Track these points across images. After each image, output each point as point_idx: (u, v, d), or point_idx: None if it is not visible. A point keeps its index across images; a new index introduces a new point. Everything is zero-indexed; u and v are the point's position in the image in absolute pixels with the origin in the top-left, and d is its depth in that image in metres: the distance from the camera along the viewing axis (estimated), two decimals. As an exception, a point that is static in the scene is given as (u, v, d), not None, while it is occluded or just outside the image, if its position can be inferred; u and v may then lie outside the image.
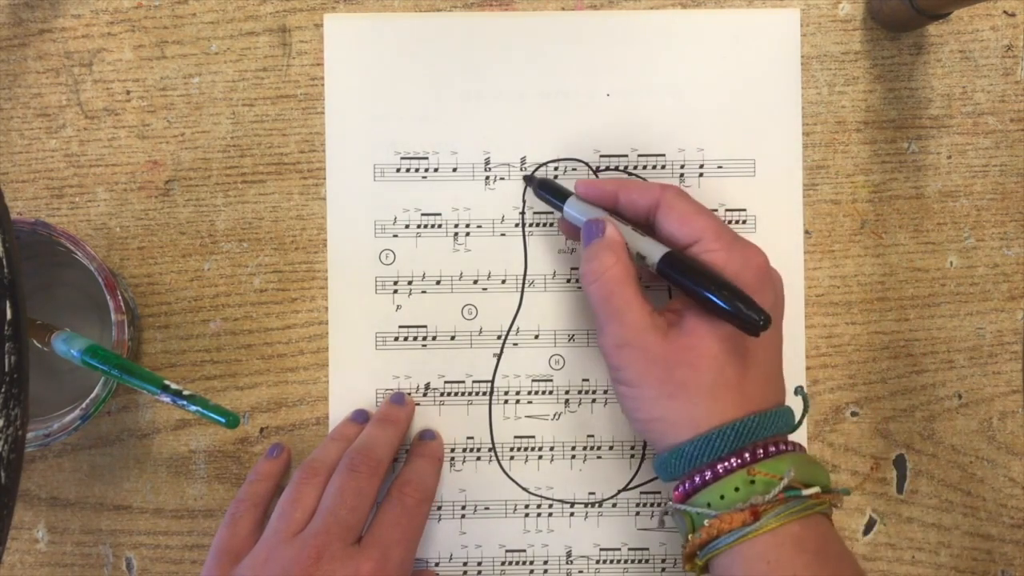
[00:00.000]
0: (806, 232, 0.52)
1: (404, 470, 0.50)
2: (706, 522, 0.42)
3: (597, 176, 0.52)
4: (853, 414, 0.52)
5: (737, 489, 0.41)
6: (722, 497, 0.42)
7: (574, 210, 0.48)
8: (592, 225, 0.46)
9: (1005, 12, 0.53)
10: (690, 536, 0.43)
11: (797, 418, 0.45)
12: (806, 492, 0.41)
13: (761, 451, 0.42)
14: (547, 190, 0.50)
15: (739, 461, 0.42)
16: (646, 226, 0.47)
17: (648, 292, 0.45)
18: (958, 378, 0.53)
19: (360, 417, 0.51)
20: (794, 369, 0.52)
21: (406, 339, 0.52)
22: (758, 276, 0.44)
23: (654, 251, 0.44)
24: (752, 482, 0.41)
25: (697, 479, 0.42)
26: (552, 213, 0.52)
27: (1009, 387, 0.53)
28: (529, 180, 0.52)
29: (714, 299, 0.41)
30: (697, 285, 0.42)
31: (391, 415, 0.51)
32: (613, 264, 0.44)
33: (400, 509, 0.47)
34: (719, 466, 0.42)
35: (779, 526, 0.40)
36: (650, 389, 0.43)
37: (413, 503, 0.47)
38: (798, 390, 0.47)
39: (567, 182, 0.52)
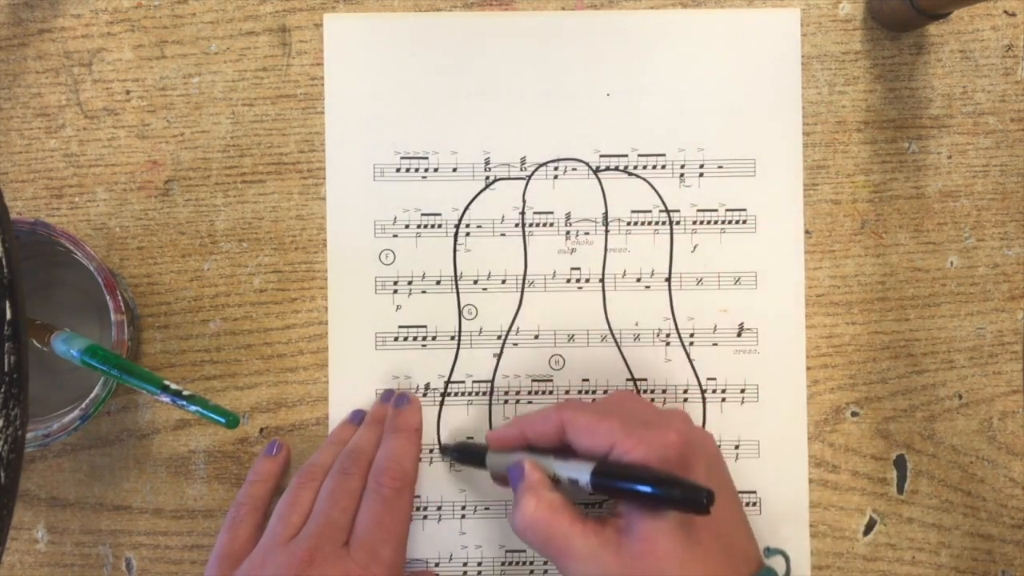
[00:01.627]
0: (806, 232, 0.52)
1: (378, 455, 0.49)
2: None
3: (597, 176, 0.52)
4: (853, 414, 0.52)
5: None
6: None
7: (496, 463, 0.48)
8: (513, 471, 0.45)
9: (1005, 12, 0.53)
10: None
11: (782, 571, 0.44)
12: None
13: None
14: (464, 454, 0.50)
15: None
16: (565, 449, 0.46)
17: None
18: (958, 378, 0.53)
19: (357, 418, 0.51)
20: (794, 369, 0.52)
21: (406, 339, 0.52)
22: (680, 452, 0.42)
23: (581, 474, 0.43)
24: None
25: None
26: (552, 212, 0.52)
27: (1009, 387, 0.53)
28: (445, 451, 0.52)
29: (653, 494, 0.40)
30: (631, 488, 0.41)
31: (380, 415, 0.51)
32: (535, 506, 0.43)
33: (380, 502, 0.46)
34: None
35: None
36: None
37: (391, 493, 0.47)
38: (768, 552, 0.46)
39: (570, 182, 0.52)
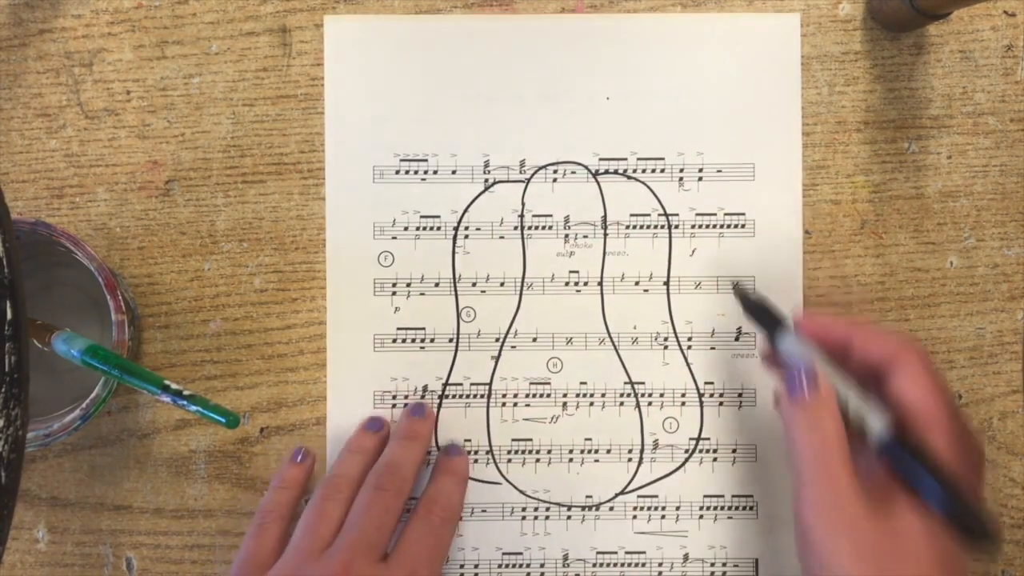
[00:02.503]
0: (806, 232, 0.52)
1: (430, 488, 0.50)
2: None
3: (596, 180, 0.52)
4: (853, 414, 0.52)
5: None
6: None
7: (789, 346, 0.45)
8: (808, 376, 0.43)
9: (1005, 12, 0.53)
10: None
11: None
12: None
13: None
14: (759, 315, 0.47)
15: None
16: (871, 376, 0.44)
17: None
18: (958, 378, 0.53)
19: (375, 426, 0.51)
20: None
21: (404, 341, 0.52)
22: (975, 470, 0.42)
23: (879, 426, 0.42)
24: None
25: None
26: (551, 215, 0.52)
27: (1009, 387, 0.53)
28: (744, 299, 0.48)
29: (939, 504, 0.39)
30: (923, 483, 0.40)
31: (413, 430, 0.51)
32: (835, 431, 0.42)
33: (428, 528, 0.47)
34: None
35: None
36: (842, 563, 0.40)
37: (440, 521, 0.48)
38: None
39: (569, 186, 0.52)
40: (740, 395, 0.52)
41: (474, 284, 0.52)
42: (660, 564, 0.52)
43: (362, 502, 0.47)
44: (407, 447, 0.50)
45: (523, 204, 0.52)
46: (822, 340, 0.45)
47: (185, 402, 0.41)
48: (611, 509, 0.52)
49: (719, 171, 0.52)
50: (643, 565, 0.52)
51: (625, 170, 0.53)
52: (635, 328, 0.52)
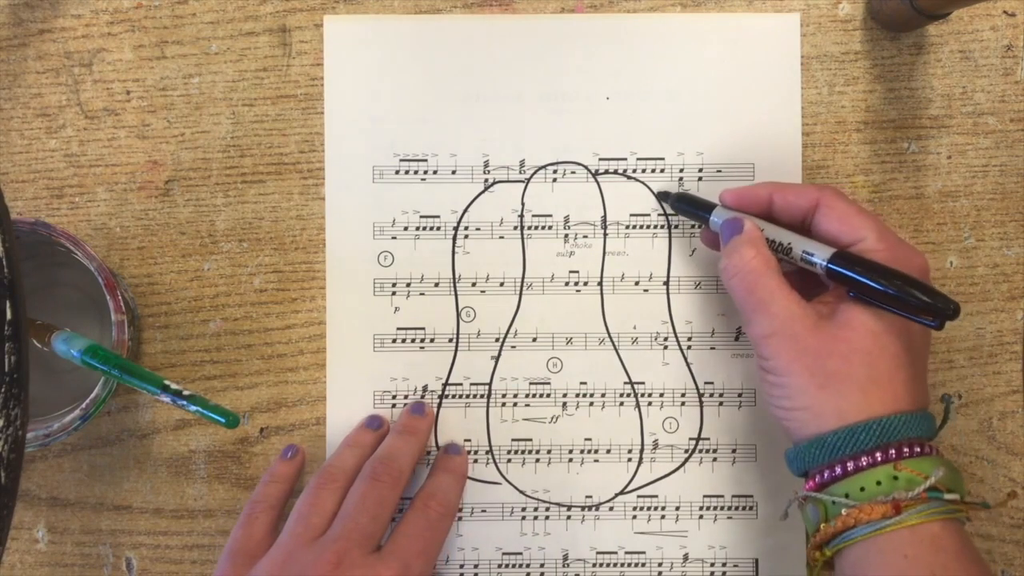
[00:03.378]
0: (806, 232, 0.53)
1: (428, 483, 0.50)
2: (843, 511, 0.41)
3: (596, 179, 0.52)
4: (853, 414, 0.52)
5: (879, 483, 0.41)
6: (862, 489, 0.41)
7: (720, 219, 0.48)
8: (731, 223, 0.46)
9: (1005, 12, 0.53)
10: (822, 525, 0.42)
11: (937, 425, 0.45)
12: (948, 496, 0.41)
13: (907, 449, 0.42)
14: (688, 203, 0.50)
15: (884, 456, 0.41)
16: (801, 230, 0.46)
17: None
18: (958, 378, 0.53)
19: (374, 424, 0.51)
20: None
21: (404, 341, 0.52)
22: (921, 275, 0.43)
23: (821, 250, 0.44)
24: (895, 478, 0.41)
25: (838, 470, 0.42)
26: (551, 215, 0.52)
27: (1009, 387, 0.53)
28: (664, 196, 0.52)
29: (896, 293, 0.41)
30: (875, 280, 0.42)
31: (412, 426, 0.51)
32: (753, 256, 0.45)
33: (424, 521, 0.47)
34: (863, 459, 0.42)
35: (919, 523, 0.40)
36: (798, 378, 0.43)
37: (437, 516, 0.48)
38: (944, 398, 0.47)
39: (569, 186, 0.52)
40: (740, 395, 0.52)
41: (474, 284, 0.52)
42: (660, 564, 0.52)
43: (357, 492, 0.47)
44: (405, 440, 0.50)
45: (523, 204, 0.52)
46: (747, 207, 0.48)
47: (185, 402, 0.41)
48: (611, 509, 0.52)
49: (719, 171, 0.52)
50: (643, 565, 0.52)
51: (625, 170, 0.53)
52: (635, 328, 0.52)
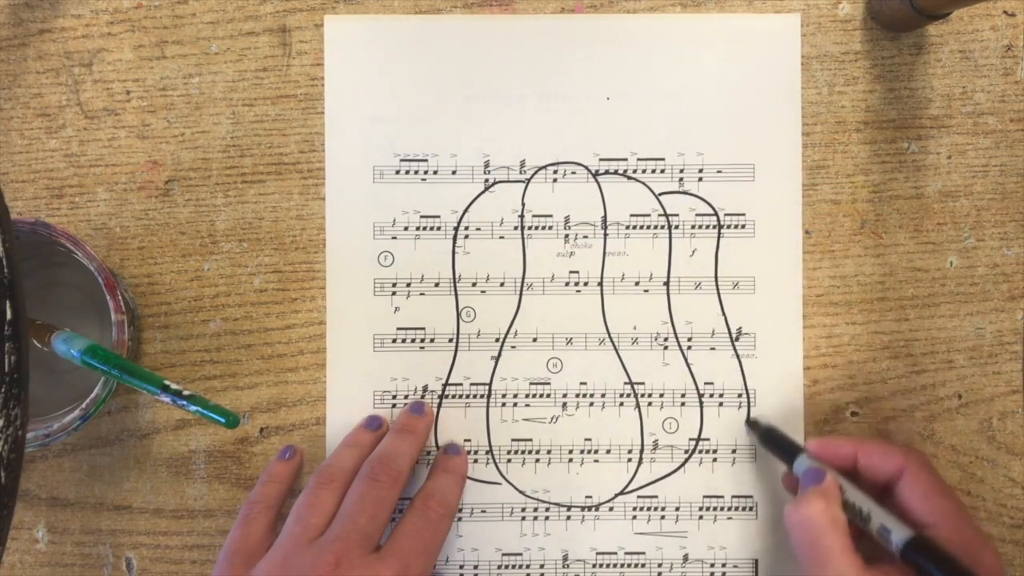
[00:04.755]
0: (806, 232, 0.52)
1: (428, 483, 0.50)
2: None
3: (596, 180, 0.52)
4: (853, 414, 0.52)
5: None
6: None
7: (803, 467, 0.47)
8: (812, 473, 0.46)
9: (1005, 12, 0.53)
10: None
11: None
12: None
13: None
14: (775, 443, 0.50)
15: None
16: (881, 490, 0.46)
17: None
18: (958, 378, 0.53)
19: (374, 424, 0.51)
20: (792, 373, 0.52)
21: (404, 341, 0.52)
22: (993, 571, 0.43)
23: (900, 531, 0.43)
24: None
25: None
26: (551, 216, 0.52)
27: (1009, 387, 0.53)
28: (754, 427, 0.51)
29: None
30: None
31: (411, 425, 0.51)
32: (823, 510, 0.43)
33: (423, 521, 0.47)
34: None
35: None
36: None
37: (436, 516, 0.47)
38: None
39: (569, 186, 0.52)
40: (740, 395, 0.52)
41: (474, 284, 0.52)
42: (660, 565, 0.52)
43: (356, 492, 0.47)
44: (403, 439, 0.50)
45: (523, 204, 0.52)
46: (832, 459, 0.47)
47: (185, 402, 0.41)
48: (611, 509, 0.52)
49: (719, 171, 0.52)
50: (643, 566, 0.52)
51: (625, 170, 0.53)
52: (635, 328, 0.52)
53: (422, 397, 0.52)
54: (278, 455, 0.51)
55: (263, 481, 0.50)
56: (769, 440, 0.50)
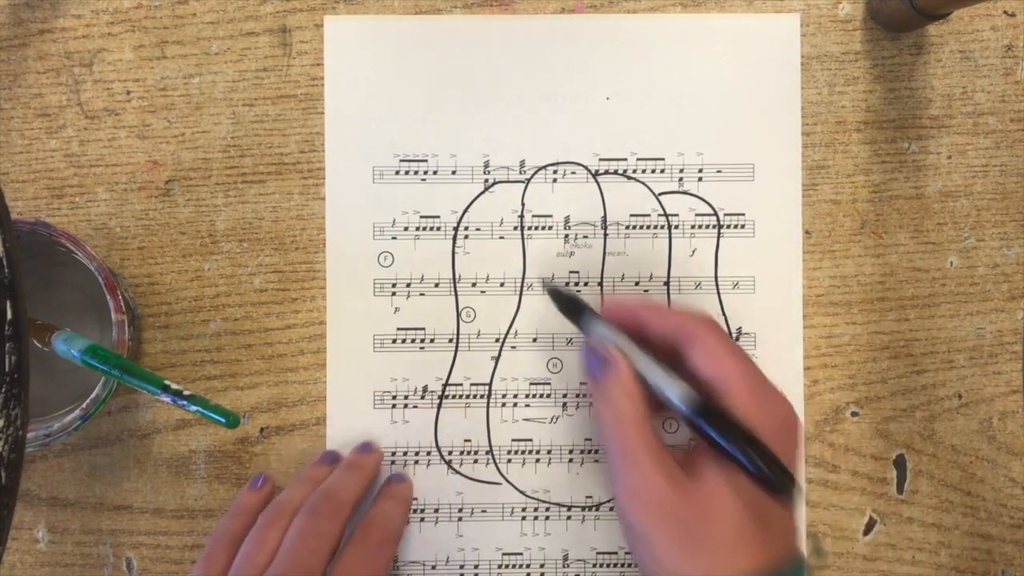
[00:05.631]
0: (806, 232, 0.52)
1: (370, 510, 0.49)
2: None
3: (596, 180, 0.52)
4: (853, 414, 0.53)
5: None
6: None
7: (593, 329, 0.47)
8: (604, 360, 0.45)
9: (1005, 12, 0.53)
10: None
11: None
12: None
13: None
14: (568, 302, 0.49)
15: None
16: (670, 353, 0.45)
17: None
18: (958, 378, 0.53)
19: (330, 459, 0.51)
20: (792, 373, 0.52)
21: (404, 341, 0.52)
22: (782, 428, 0.43)
23: (682, 400, 0.43)
24: None
25: None
26: (551, 216, 0.52)
27: (1009, 387, 0.53)
28: (551, 290, 0.50)
29: (743, 460, 0.40)
30: (726, 441, 0.41)
31: (358, 461, 0.50)
32: (625, 405, 0.43)
33: (364, 549, 0.47)
34: None
35: None
36: (662, 542, 0.41)
37: (376, 543, 0.47)
38: (813, 541, 0.47)
39: (569, 186, 0.52)
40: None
41: (474, 284, 0.52)
42: (660, 564, 0.52)
43: (296, 527, 0.46)
44: (348, 475, 0.49)
45: (523, 204, 0.52)
46: (622, 323, 0.46)
47: (185, 402, 0.41)
48: (611, 509, 0.52)
49: (719, 171, 0.52)
50: (643, 565, 0.52)
51: (625, 170, 0.53)
52: (635, 328, 0.52)
53: (422, 397, 0.52)
54: (249, 484, 0.51)
55: (231, 514, 0.49)
56: (559, 300, 0.49)
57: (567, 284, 0.52)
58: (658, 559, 0.42)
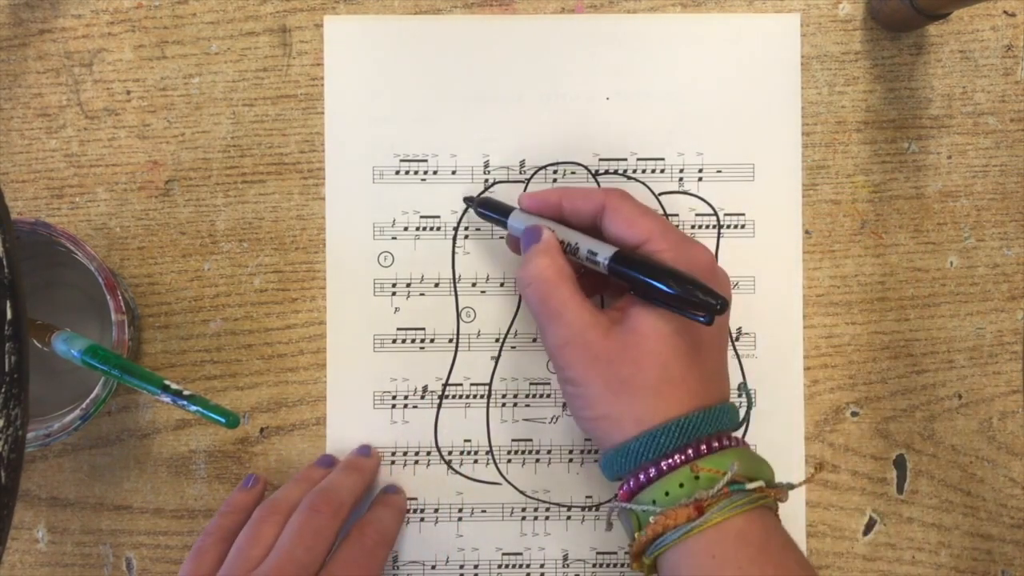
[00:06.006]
0: (806, 232, 0.52)
1: (366, 514, 0.49)
2: (652, 519, 0.41)
3: (597, 180, 0.52)
4: (853, 414, 0.53)
5: (682, 485, 0.41)
6: (667, 494, 0.41)
7: (518, 223, 0.48)
8: (529, 232, 0.46)
9: (1005, 12, 0.53)
10: (636, 534, 0.42)
11: (742, 415, 0.45)
12: (750, 486, 0.41)
13: (705, 447, 0.42)
14: (489, 208, 0.50)
15: (683, 457, 0.41)
16: (593, 231, 0.46)
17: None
18: (958, 378, 0.53)
19: (326, 462, 0.51)
20: (792, 373, 0.52)
21: (404, 341, 0.52)
22: (705, 272, 0.44)
23: (604, 250, 0.44)
24: (696, 478, 0.41)
25: (642, 476, 0.42)
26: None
27: (1009, 387, 0.53)
28: (469, 201, 0.51)
29: (667, 288, 0.41)
30: (649, 278, 0.42)
31: (357, 463, 0.51)
32: (547, 266, 0.44)
33: (359, 549, 0.47)
34: (663, 463, 0.42)
35: (723, 520, 0.40)
36: (594, 387, 0.43)
37: (372, 544, 0.47)
38: (741, 387, 0.47)
39: (571, 185, 0.52)
40: (740, 395, 0.52)
41: (474, 284, 0.52)
42: (660, 564, 0.52)
43: (294, 523, 0.46)
44: (347, 475, 0.49)
45: (523, 204, 0.52)
46: (543, 211, 0.48)
47: (185, 402, 0.41)
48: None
49: (719, 171, 0.52)
50: (643, 565, 0.52)
51: (625, 170, 0.53)
52: (635, 328, 0.52)
53: (422, 397, 0.52)
54: (240, 484, 0.51)
55: (222, 512, 0.49)
56: (485, 207, 0.50)
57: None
58: (591, 403, 0.43)
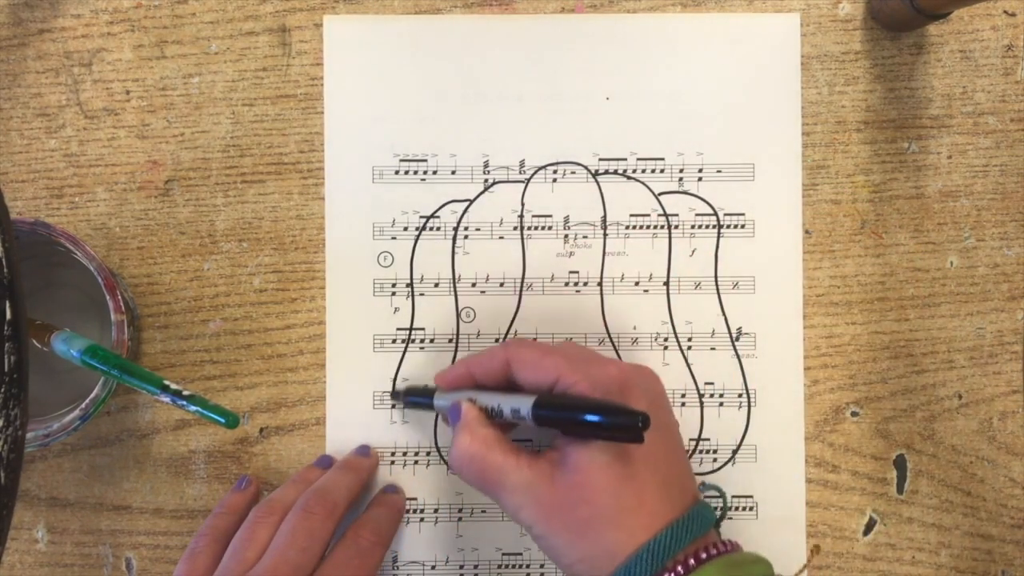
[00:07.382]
0: (806, 232, 0.52)
1: (363, 515, 0.49)
2: None
3: (596, 180, 0.52)
4: (853, 414, 0.52)
5: None
6: None
7: (443, 402, 0.48)
8: (452, 411, 0.46)
9: (1005, 12, 0.53)
10: None
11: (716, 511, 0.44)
12: None
13: (682, 568, 0.41)
14: (415, 395, 0.50)
15: None
16: (511, 387, 0.46)
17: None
18: (958, 378, 0.53)
19: (324, 463, 0.51)
20: (792, 373, 0.52)
21: (404, 341, 0.52)
22: (621, 386, 0.43)
23: (524, 403, 0.43)
24: None
25: None
26: (551, 216, 0.52)
27: (1009, 387, 0.53)
28: (395, 396, 0.52)
29: (588, 419, 0.40)
30: (571, 417, 0.41)
31: (354, 463, 0.50)
32: (471, 442, 0.44)
33: (354, 550, 0.47)
34: None
35: None
36: (560, 536, 0.42)
37: (368, 545, 0.47)
38: (703, 487, 0.46)
39: (569, 186, 0.52)
40: (740, 395, 0.52)
41: (474, 284, 0.52)
42: (660, 564, 0.52)
43: (288, 524, 0.46)
44: (343, 475, 0.49)
45: (523, 204, 0.52)
46: (460, 385, 0.47)
47: (185, 402, 0.41)
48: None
49: (719, 171, 0.52)
50: (643, 565, 0.52)
51: (625, 170, 0.53)
52: (635, 328, 0.52)
53: (422, 397, 0.52)
54: (234, 486, 0.51)
55: (215, 513, 0.49)
56: (411, 396, 0.50)
57: (566, 285, 0.52)
58: (563, 551, 0.42)
